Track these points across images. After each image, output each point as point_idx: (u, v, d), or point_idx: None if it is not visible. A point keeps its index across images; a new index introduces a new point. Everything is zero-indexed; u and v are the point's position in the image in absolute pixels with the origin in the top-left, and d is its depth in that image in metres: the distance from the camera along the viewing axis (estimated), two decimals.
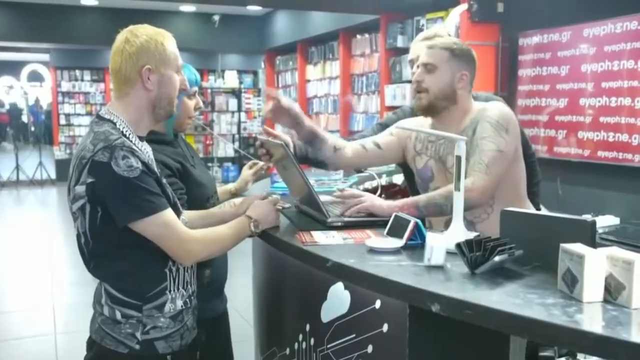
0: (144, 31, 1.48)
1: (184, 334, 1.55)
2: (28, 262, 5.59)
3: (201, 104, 1.99)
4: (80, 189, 1.40)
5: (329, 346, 1.56)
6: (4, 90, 18.60)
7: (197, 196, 1.86)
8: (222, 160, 10.52)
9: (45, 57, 13.20)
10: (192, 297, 1.59)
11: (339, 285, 1.51)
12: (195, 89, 1.95)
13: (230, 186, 2.27)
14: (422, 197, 1.78)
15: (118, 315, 1.46)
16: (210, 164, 10.39)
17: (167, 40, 1.50)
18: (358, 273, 1.36)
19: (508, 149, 1.77)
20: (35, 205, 9.31)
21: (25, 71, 17.17)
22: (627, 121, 3.88)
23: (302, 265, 1.61)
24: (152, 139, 1.75)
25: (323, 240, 1.61)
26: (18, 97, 17.77)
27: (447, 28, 2.32)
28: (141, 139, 1.51)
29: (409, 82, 5.97)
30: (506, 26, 4.89)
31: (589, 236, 1.26)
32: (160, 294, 1.49)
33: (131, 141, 1.44)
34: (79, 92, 12.73)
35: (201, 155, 10.21)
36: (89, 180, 1.38)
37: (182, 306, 1.53)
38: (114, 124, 1.46)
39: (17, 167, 10.58)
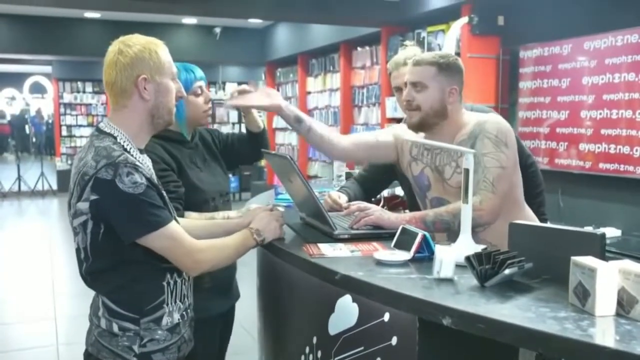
0: (136, 41, 1.47)
1: (181, 346, 1.54)
2: (30, 273, 5.57)
3: (210, 96, 2.01)
4: (83, 205, 1.39)
5: (336, 359, 1.55)
6: (6, 101, 18.63)
7: (190, 198, 1.89)
8: None
9: (48, 69, 13.24)
10: (189, 310, 1.59)
11: (347, 298, 1.51)
12: (200, 84, 1.97)
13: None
14: (429, 213, 1.78)
15: (115, 328, 1.45)
16: None
17: (160, 49, 1.49)
18: (367, 286, 1.36)
19: (509, 164, 1.78)
20: (37, 216, 9.30)
21: (27, 83, 17.22)
22: (628, 133, 3.89)
23: (309, 278, 1.60)
24: (164, 136, 1.82)
25: (330, 252, 1.61)
26: (20, 108, 17.79)
27: (415, 49, 2.29)
28: (141, 151, 1.51)
29: None
30: (507, 39, 4.93)
31: (599, 249, 1.26)
32: (158, 307, 1.48)
33: (132, 155, 1.43)
34: (80, 104, 12.77)
35: None
36: (93, 197, 1.38)
37: (179, 319, 1.53)
38: (115, 138, 1.45)
39: (19, 178, 10.57)
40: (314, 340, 1.66)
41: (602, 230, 1.33)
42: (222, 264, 1.62)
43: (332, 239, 1.73)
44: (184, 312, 1.55)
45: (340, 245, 1.68)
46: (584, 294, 1.12)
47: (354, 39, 7.19)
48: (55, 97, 12.69)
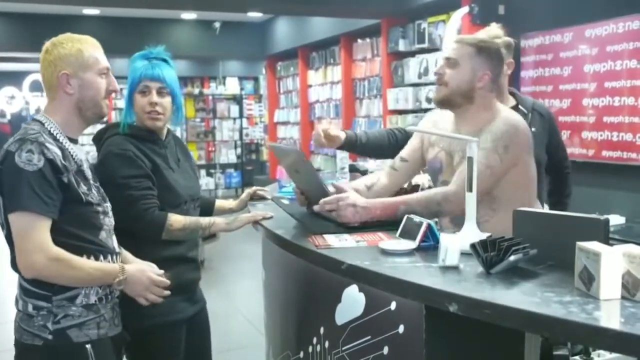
0: (63, 39, 1.58)
1: (100, 323, 1.55)
2: None
3: (154, 100, 1.84)
4: None
5: (344, 348, 1.57)
6: (6, 100, 18.63)
7: (164, 200, 1.84)
8: (224, 167, 10.53)
9: None
10: (111, 296, 1.59)
11: (353, 288, 1.52)
12: (147, 83, 1.84)
13: (230, 204, 2.23)
14: (401, 207, 1.75)
15: (30, 308, 1.49)
16: (212, 170, 10.40)
17: (85, 45, 1.58)
18: (374, 275, 1.37)
19: (501, 166, 1.75)
20: None
21: (27, 81, 17.22)
22: (630, 120, 3.89)
23: (314, 269, 1.62)
24: (136, 134, 1.84)
25: (336, 243, 1.62)
26: (20, 107, 17.80)
27: (498, 29, 2.31)
28: (74, 141, 1.58)
29: (412, 85, 6.01)
30: (508, 28, 4.90)
31: (602, 234, 1.27)
32: (71, 286, 1.51)
33: (59, 141, 1.51)
34: None
35: (203, 161, 10.21)
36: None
37: (95, 301, 1.54)
38: (43, 124, 1.54)
39: None
40: (321, 330, 1.67)
41: (605, 216, 1.34)
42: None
43: (341, 228, 1.73)
44: (104, 297, 1.57)
45: (346, 235, 1.69)
46: (589, 279, 1.13)
47: (354, 31, 7.17)
48: None
